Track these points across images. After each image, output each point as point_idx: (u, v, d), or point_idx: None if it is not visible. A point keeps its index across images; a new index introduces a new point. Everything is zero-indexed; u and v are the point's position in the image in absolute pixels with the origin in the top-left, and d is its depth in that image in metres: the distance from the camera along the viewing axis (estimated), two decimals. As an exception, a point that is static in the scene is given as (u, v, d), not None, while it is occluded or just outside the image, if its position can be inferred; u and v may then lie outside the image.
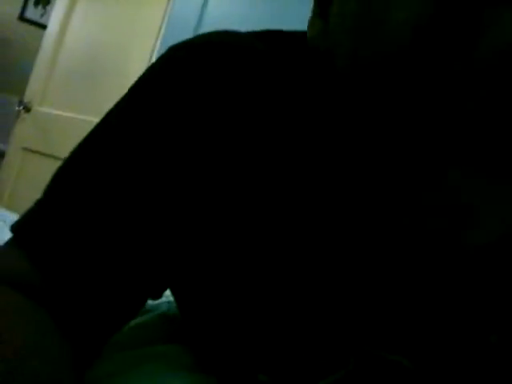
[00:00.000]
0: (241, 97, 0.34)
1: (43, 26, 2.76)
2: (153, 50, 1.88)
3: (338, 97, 0.31)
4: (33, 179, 2.04)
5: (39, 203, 0.33)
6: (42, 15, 3.19)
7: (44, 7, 3.21)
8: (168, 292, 0.43)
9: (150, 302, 0.49)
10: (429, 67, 0.23)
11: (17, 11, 3.17)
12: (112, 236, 0.31)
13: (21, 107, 2.26)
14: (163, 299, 0.54)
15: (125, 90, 0.36)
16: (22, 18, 3.19)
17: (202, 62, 0.34)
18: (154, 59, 1.80)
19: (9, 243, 0.33)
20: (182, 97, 0.33)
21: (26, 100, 2.27)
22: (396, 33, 0.23)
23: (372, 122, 0.28)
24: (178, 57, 0.35)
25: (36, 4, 3.21)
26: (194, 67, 0.34)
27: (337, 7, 0.30)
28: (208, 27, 1.65)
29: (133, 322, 0.45)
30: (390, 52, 0.24)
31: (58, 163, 0.34)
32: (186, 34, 1.68)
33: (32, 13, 3.21)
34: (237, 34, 0.37)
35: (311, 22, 0.34)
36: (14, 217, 1.03)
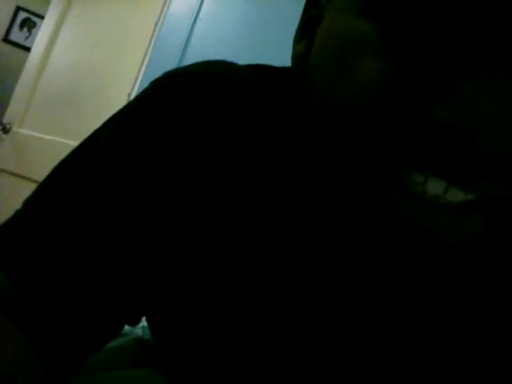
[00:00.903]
0: (237, 132, 0.34)
1: (27, 49, 2.76)
2: (136, 77, 1.89)
3: (306, 135, 0.31)
4: (8, 201, 2.00)
5: (15, 221, 0.33)
6: (26, 38, 3.20)
7: (29, 30, 3.23)
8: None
9: (126, 326, 0.48)
10: (390, 124, 0.24)
11: (1, 33, 3.18)
12: (85, 259, 0.31)
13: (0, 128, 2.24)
14: (139, 324, 0.53)
15: (106, 115, 0.36)
16: (6, 39, 3.20)
17: (202, 92, 0.34)
18: (137, 85, 1.82)
19: None
20: (179, 125, 0.33)
21: (5, 121, 2.25)
22: (365, 86, 0.25)
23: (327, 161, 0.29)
24: (177, 84, 0.35)
25: (21, 27, 3.22)
26: (193, 97, 0.34)
27: (319, 38, 0.31)
28: (192, 57, 1.68)
29: (107, 345, 0.44)
30: (358, 102, 0.25)
31: (35, 186, 0.34)
32: (171, 62, 1.70)
33: (17, 35, 3.22)
34: (234, 65, 0.38)
35: (297, 38, 0.35)
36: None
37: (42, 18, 2.67)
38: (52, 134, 2.07)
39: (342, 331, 0.35)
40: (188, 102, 0.34)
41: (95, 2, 2.15)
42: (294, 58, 0.34)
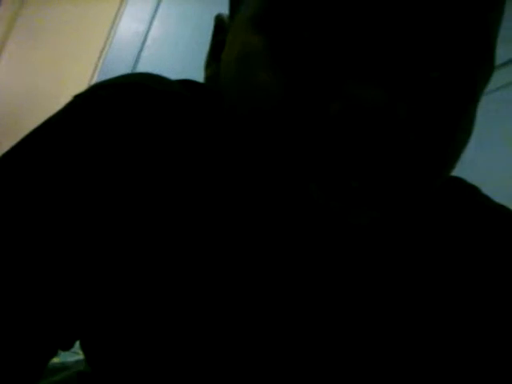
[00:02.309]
0: (160, 142, 0.34)
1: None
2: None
3: (229, 145, 0.32)
4: None
5: None
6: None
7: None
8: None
9: (68, 359, 0.46)
10: (290, 127, 0.26)
11: None
12: (10, 274, 0.30)
13: None
14: (80, 357, 0.51)
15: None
16: None
17: (126, 102, 0.34)
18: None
19: None
20: (103, 136, 0.33)
21: None
22: (261, 98, 0.27)
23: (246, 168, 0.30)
24: (100, 95, 0.34)
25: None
26: (117, 107, 0.34)
27: (223, 59, 0.32)
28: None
29: (50, 380, 0.42)
30: (258, 114, 0.27)
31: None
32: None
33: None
34: (160, 77, 0.38)
35: (207, 63, 0.37)
36: None
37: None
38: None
39: (286, 333, 0.35)
40: (112, 112, 0.33)
41: (38, 28, 2.12)
42: (206, 80, 0.36)
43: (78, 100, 0.35)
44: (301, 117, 0.26)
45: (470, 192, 0.40)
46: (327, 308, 0.35)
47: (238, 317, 0.34)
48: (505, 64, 1.62)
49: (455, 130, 0.28)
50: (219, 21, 0.37)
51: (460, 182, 0.41)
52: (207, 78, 0.36)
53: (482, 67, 0.27)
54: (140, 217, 0.34)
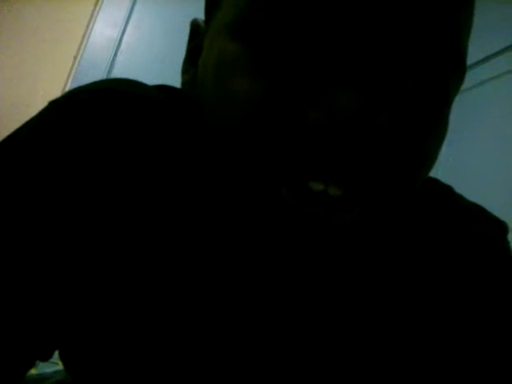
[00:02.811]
0: (139, 148, 0.34)
1: None
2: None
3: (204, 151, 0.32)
4: None
5: None
6: None
7: None
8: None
9: (46, 370, 0.45)
10: (267, 131, 0.26)
11: None
12: None
13: None
14: (59, 367, 0.50)
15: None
16: None
17: (104, 108, 0.34)
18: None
19: None
20: (78, 142, 0.32)
21: None
22: (238, 105, 0.27)
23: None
24: (77, 101, 0.34)
25: None
26: (95, 113, 0.33)
27: (200, 65, 0.33)
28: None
29: None
30: (235, 120, 0.27)
31: None
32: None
33: None
34: (137, 83, 0.38)
35: (184, 68, 0.36)
36: None
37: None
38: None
39: (267, 338, 0.35)
40: (88, 118, 0.33)
41: (9, 33, 2.07)
42: (183, 86, 0.36)
43: (55, 106, 0.34)
44: (278, 123, 0.26)
45: (445, 192, 0.41)
46: (304, 308, 0.35)
47: (214, 321, 0.34)
48: (478, 63, 1.66)
49: (431, 133, 0.28)
50: (195, 25, 0.37)
51: (436, 182, 0.42)
52: (184, 83, 0.36)
53: (454, 73, 0.28)
54: (116, 222, 0.33)
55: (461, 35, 0.27)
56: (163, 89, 0.39)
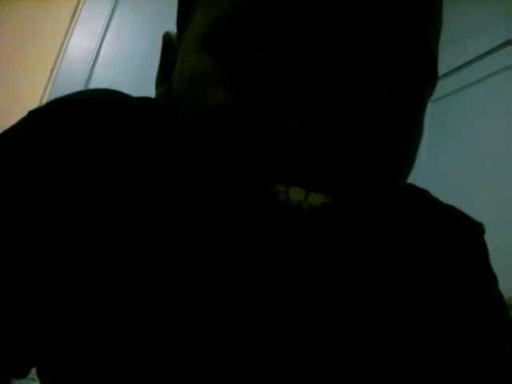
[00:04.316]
0: (118, 157, 0.34)
1: None
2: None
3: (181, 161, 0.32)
4: None
5: None
6: None
7: None
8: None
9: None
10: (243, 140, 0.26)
11: None
12: None
13: None
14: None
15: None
16: None
17: (84, 118, 0.33)
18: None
19: None
20: (59, 150, 0.32)
21: None
22: (212, 117, 0.27)
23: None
24: (58, 111, 0.34)
25: None
26: (74, 123, 0.33)
27: (175, 78, 0.33)
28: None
29: None
30: (209, 132, 0.27)
31: None
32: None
33: None
34: (117, 92, 0.38)
35: (158, 81, 0.37)
36: None
37: None
38: None
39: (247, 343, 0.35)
40: (70, 127, 0.33)
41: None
42: (158, 98, 0.36)
43: (35, 115, 0.34)
44: (254, 132, 0.26)
45: (422, 196, 0.42)
46: (289, 308, 0.35)
47: (204, 325, 0.34)
48: (452, 72, 1.70)
49: (407, 136, 0.29)
50: (167, 39, 0.37)
51: (413, 187, 0.43)
52: (159, 95, 0.36)
53: (427, 79, 0.29)
54: (101, 230, 0.33)
55: (430, 41, 0.28)
56: (145, 100, 0.39)
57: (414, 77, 0.28)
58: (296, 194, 0.27)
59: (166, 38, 0.37)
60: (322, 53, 0.25)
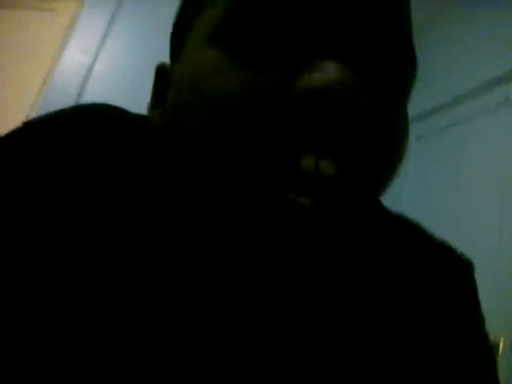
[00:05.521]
0: (120, 171, 0.33)
1: None
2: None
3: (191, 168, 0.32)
4: None
5: None
6: None
7: None
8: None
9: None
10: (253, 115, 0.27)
11: None
12: None
13: None
14: None
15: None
16: None
17: (83, 132, 0.33)
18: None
19: None
20: (55, 164, 0.32)
21: None
22: (219, 100, 0.28)
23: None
24: (52, 125, 0.33)
25: None
26: (70, 137, 0.33)
27: (171, 96, 0.33)
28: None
29: None
30: (224, 120, 0.28)
31: None
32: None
33: None
34: (117, 107, 0.38)
35: (151, 106, 0.37)
36: None
37: None
38: None
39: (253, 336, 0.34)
40: (66, 141, 0.33)
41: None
42: (152, 120, 0.37)
43: (29, 129, 0.34)
44: (266, 106, 0.27)
45: (417, 227, 0.43)
46: (287, 305, 0.35)
47: (206, 322, 0.33)
48: (437, 109, 1.73)
49: (399, 115, 0.31)
50: (160, 67, 0.38)
51: (406, 217, 0.44)
52: (153, 117, 0.36)
53: (407, 58, 0.31)
54: (93, 239, 0.32)
55: (407, 26, 0.31)
56: (141, 117, 0.39)
57: (396, 56, 0.30)
58: (307, 161, 0.27)
59: (160, 67, 0.38)
60: (319, 17, 0.28)
